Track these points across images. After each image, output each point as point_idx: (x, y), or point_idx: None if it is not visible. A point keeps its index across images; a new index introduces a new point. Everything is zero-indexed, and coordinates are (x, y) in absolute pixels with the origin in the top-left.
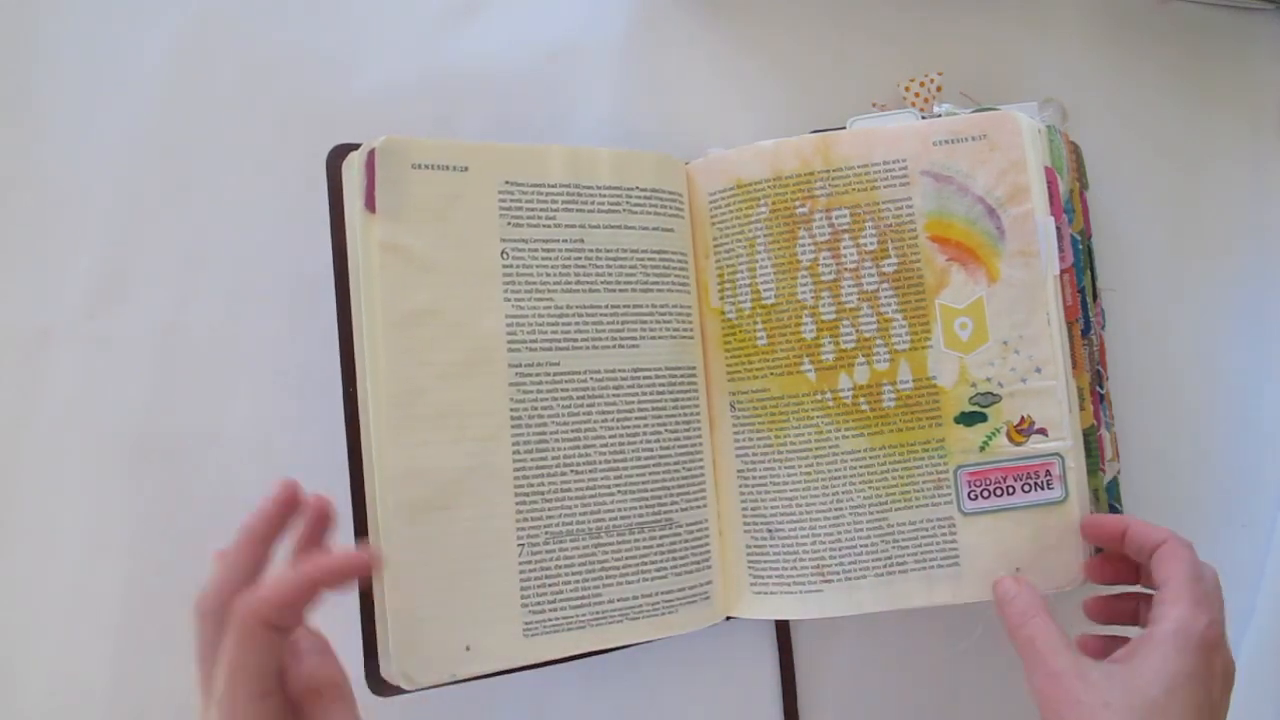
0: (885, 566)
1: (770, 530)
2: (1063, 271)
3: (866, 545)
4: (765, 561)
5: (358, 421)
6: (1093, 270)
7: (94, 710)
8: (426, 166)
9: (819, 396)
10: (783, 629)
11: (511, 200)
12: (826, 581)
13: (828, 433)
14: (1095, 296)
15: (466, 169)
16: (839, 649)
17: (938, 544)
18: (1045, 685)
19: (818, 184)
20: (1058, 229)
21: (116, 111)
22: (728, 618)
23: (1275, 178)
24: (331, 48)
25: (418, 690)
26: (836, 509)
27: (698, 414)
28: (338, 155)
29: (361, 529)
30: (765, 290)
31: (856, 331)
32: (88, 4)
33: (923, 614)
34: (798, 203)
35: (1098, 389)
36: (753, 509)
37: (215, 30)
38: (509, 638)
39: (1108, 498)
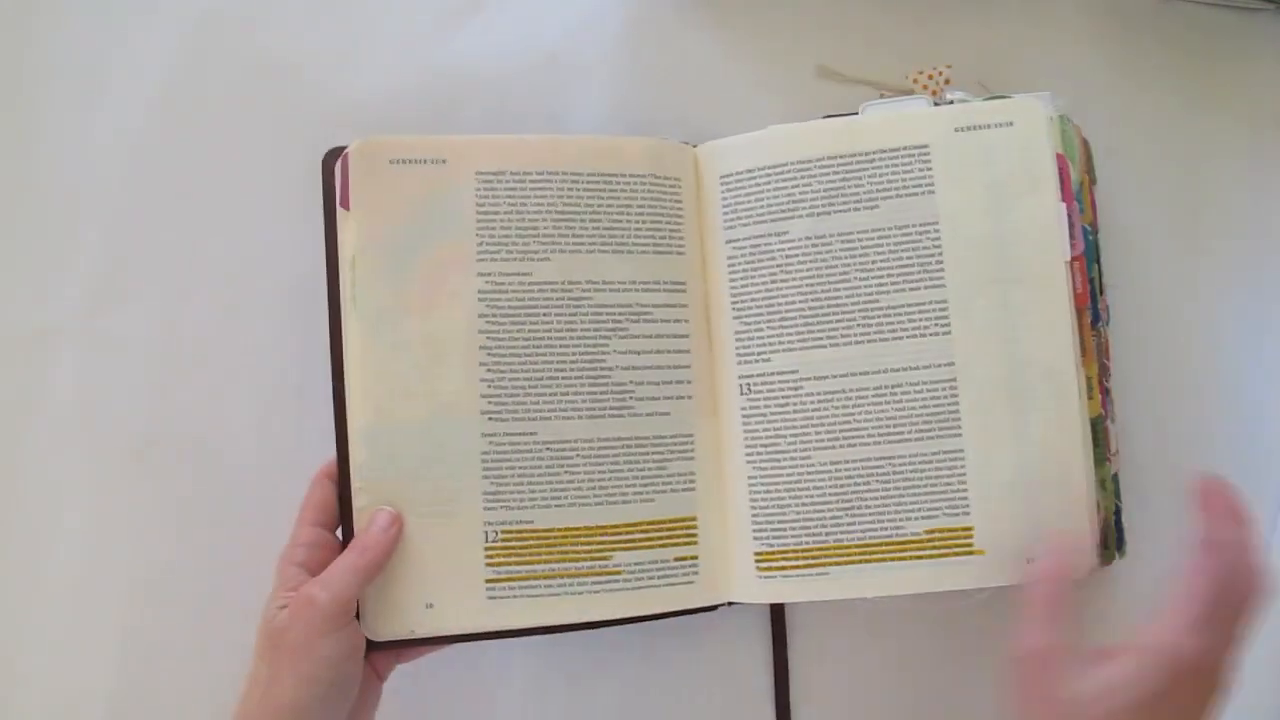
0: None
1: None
2: (1074, 259)
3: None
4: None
5: (345, 418)
6: (1099, 264)
7: (94, 710)
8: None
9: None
10: (778, 617)
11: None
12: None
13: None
14: (1101, 290)
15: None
16: (834, 639)
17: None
18: (1024, 650)
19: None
20: (1069, 215)
21: (116, 112)
22: (730, 603)
23: (1276, 177)
24: (330, 48)
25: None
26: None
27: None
28: (332, 157)
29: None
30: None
31: None
32: (87, 5)
33: (921, 609)
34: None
35: (1104, 381)
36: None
37: (214, 31)
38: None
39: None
